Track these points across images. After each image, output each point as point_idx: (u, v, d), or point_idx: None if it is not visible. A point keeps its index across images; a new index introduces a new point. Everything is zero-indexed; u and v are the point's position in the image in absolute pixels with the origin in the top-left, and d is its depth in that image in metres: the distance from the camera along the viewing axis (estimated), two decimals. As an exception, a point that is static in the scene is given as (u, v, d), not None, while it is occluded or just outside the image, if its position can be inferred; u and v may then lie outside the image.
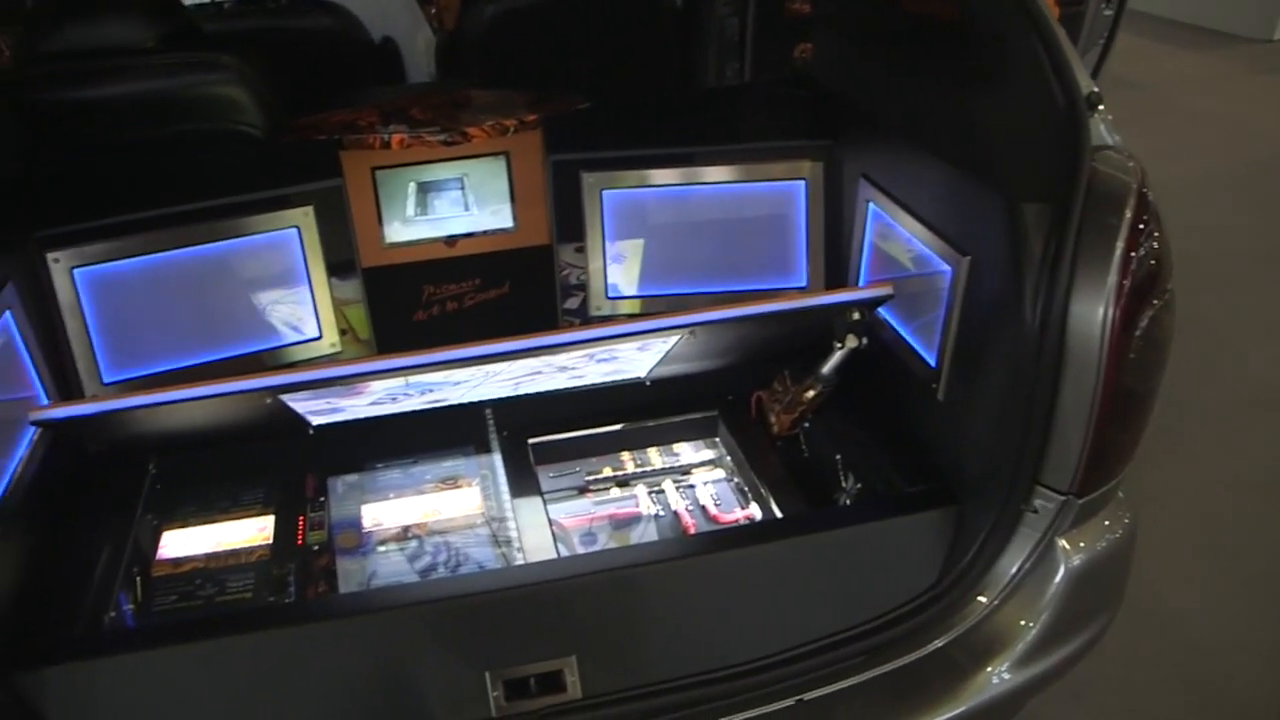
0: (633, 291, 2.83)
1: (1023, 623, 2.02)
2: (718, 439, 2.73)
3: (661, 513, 2.47)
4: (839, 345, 2.33)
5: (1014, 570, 2.01)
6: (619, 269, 2.81)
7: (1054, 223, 1.85)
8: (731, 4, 3.67)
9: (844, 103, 2.67)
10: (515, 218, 2.86)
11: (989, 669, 2.00)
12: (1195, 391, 4.29)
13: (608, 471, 2.61)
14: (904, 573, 2.09)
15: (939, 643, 1.99)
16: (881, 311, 2.41)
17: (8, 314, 2.18)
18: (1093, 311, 1.82)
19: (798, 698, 1.92)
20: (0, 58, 2.27)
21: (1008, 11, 1.91)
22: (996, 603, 2.01)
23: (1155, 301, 1.85)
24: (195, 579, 2.29)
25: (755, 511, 2.44)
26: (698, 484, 2.56)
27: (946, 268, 2.16)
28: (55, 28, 2.52)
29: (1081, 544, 2.04)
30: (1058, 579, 2.02)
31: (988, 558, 2.01)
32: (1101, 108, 1.91)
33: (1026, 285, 1.88)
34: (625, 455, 2.67)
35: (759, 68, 3.64)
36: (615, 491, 2.56)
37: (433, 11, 4.19)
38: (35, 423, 2.03)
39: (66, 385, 2.42)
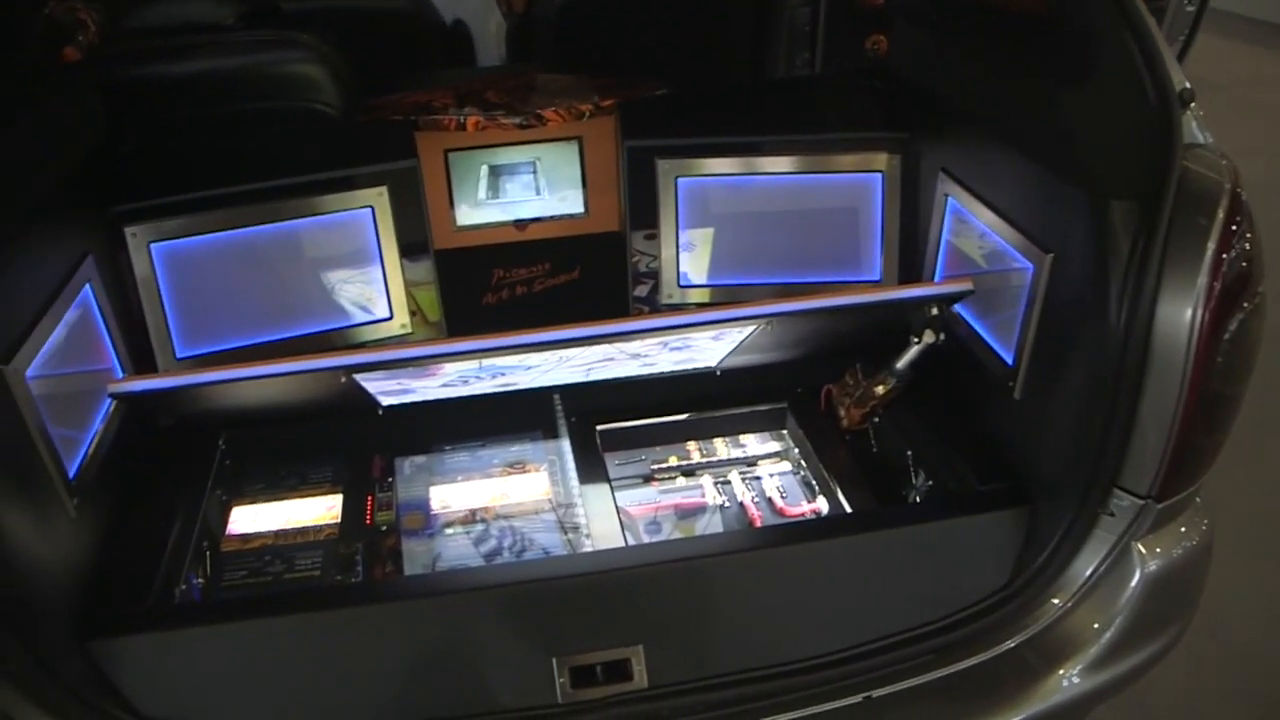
0: (703, 280, 2.81)
1: (1096, 626, 1.99)
2: (785, 431, 2.70)
3: (727, 504, 2.46)
4: (915, 340, 2.31)
5: (1089, 573, 1.98)
6: (689, 257, 2.79)
7: (1142, 221, 1.82)
8: (803, -7, 3.63)
9: (922, 95, 2.64)
10: (586, 203, 2.85)
11: (1060, 672, 1.97)
12: (1262, 396, 4.20)
13: (674, 460, 2.59)
14: (975, 572, 2.07)
15: (1011, 643, 1.97)
16: (957, 307, 2.38)
17: (87, 286, 2.20)
18: (1180, 313, 1.78)
19: (866, 695, 1.91)
20: (87, 33, 2.28)
21: (1099, 5, 1.88)
22: (1070, 605, 1.99)
23: (1245, 305, 1.81)
24: (264, 555, 2.30)
25: (822, 505, 2.42)
26: (764, 476, 2.54)
27: (1027, 264, 2.13)
28: (139, 4, 2.54)
29: (1158, 549, 2.01)
30: (1133, 584, 1.99)
31: (1062, 559, 1.99)
32: (1194, 105, 1.88)
33: (1112, 284, 1.85)
34: (691, 445, 2.65)
35: (829, 58, 3.61)
36: (681, 481, 2.54)
37: (502, -6, 4.19)
38: (114, 395, 2.06)
39: (140, 359, 2.43)
